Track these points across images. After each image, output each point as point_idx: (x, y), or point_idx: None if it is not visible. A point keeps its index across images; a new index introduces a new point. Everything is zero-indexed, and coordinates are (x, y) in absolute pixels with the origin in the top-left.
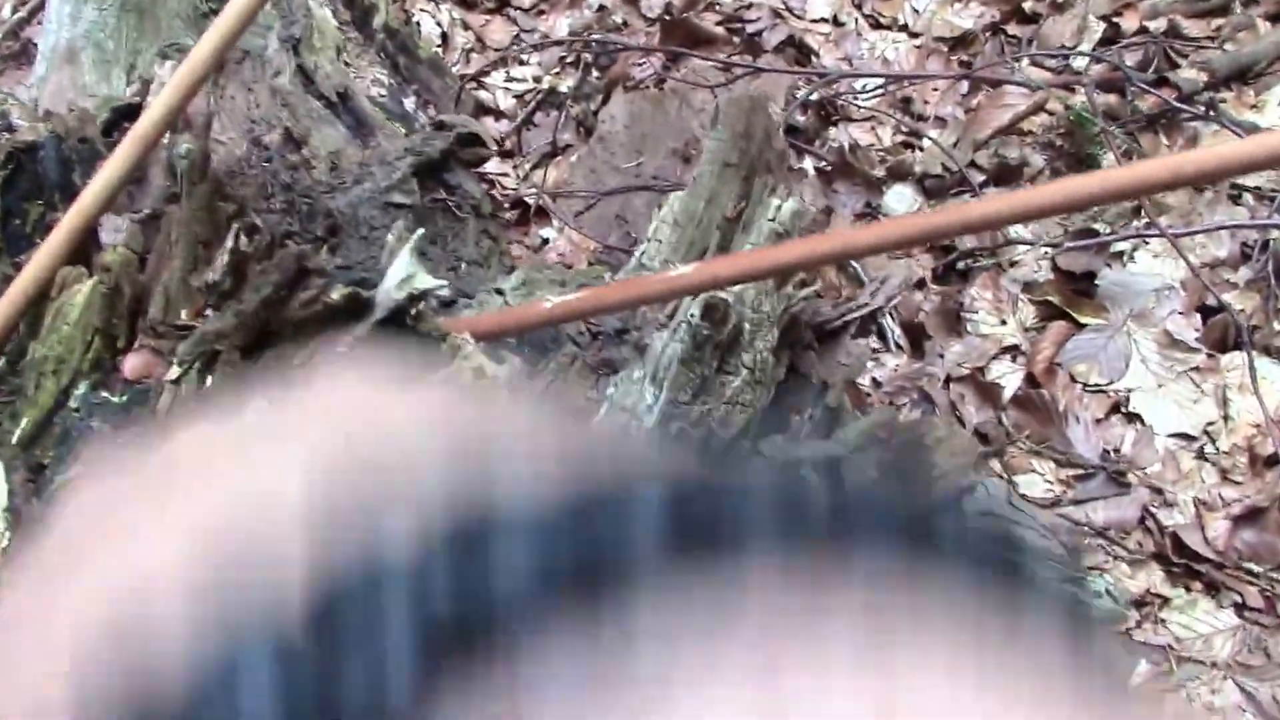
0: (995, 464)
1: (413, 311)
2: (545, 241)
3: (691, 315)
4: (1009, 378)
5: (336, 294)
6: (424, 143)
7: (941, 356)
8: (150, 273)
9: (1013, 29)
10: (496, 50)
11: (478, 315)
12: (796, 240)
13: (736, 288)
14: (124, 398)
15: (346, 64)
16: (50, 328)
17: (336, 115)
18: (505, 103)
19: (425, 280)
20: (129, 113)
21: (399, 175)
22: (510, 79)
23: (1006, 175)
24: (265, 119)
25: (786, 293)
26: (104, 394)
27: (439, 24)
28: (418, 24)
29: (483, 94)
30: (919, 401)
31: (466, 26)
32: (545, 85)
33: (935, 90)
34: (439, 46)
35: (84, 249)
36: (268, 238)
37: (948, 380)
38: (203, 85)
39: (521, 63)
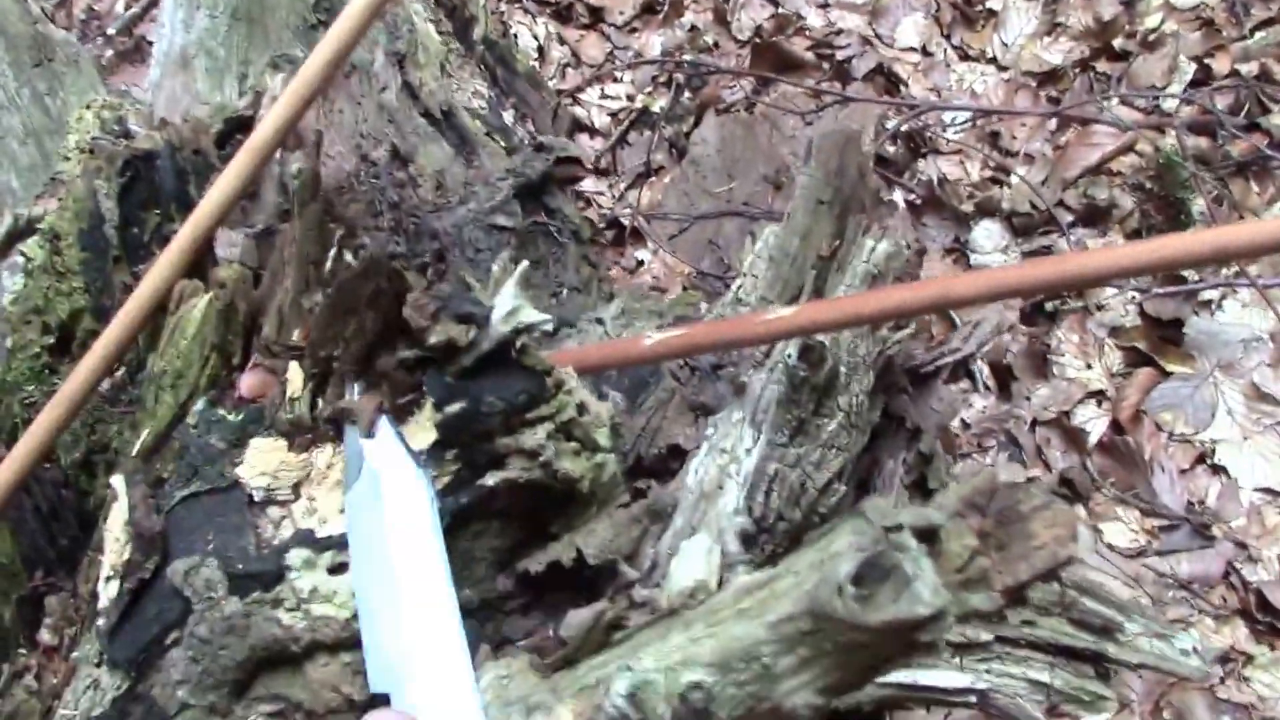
0: (1081, 510)
1: (518, 344)
2: (640, 263)
3: (788, 356)
4: (1094, 423)
5: (435, 338)
6: (524, 164)
7: (1028, 399)
8: (264, 290)
9: (1102, 66)
10: (591, 66)
11: (581, 348)
12: (896, 287)
13: None
14: (240, 416)
15: (449, 75)
16: (168, 341)
17: (440, 132)
18: (600, 120)
19: (531, 314)
20: (242, 125)
21: (502, 197)
22: (605, 96)
23: (1095, 216)
24: (372, 134)
25: (882, 335)
26: (220, 411)
27: (536, 37)
28: (515, 36)
29: (578, 110)
30: (1006, 444)
31: (563, 40)
32: (639, 104)
33: (1024, 126)
34: (536, 60)
35: (200, 262)
36: (382, 263)
37: (1034, 423)
38: (315, 100)
39: (616, 80)
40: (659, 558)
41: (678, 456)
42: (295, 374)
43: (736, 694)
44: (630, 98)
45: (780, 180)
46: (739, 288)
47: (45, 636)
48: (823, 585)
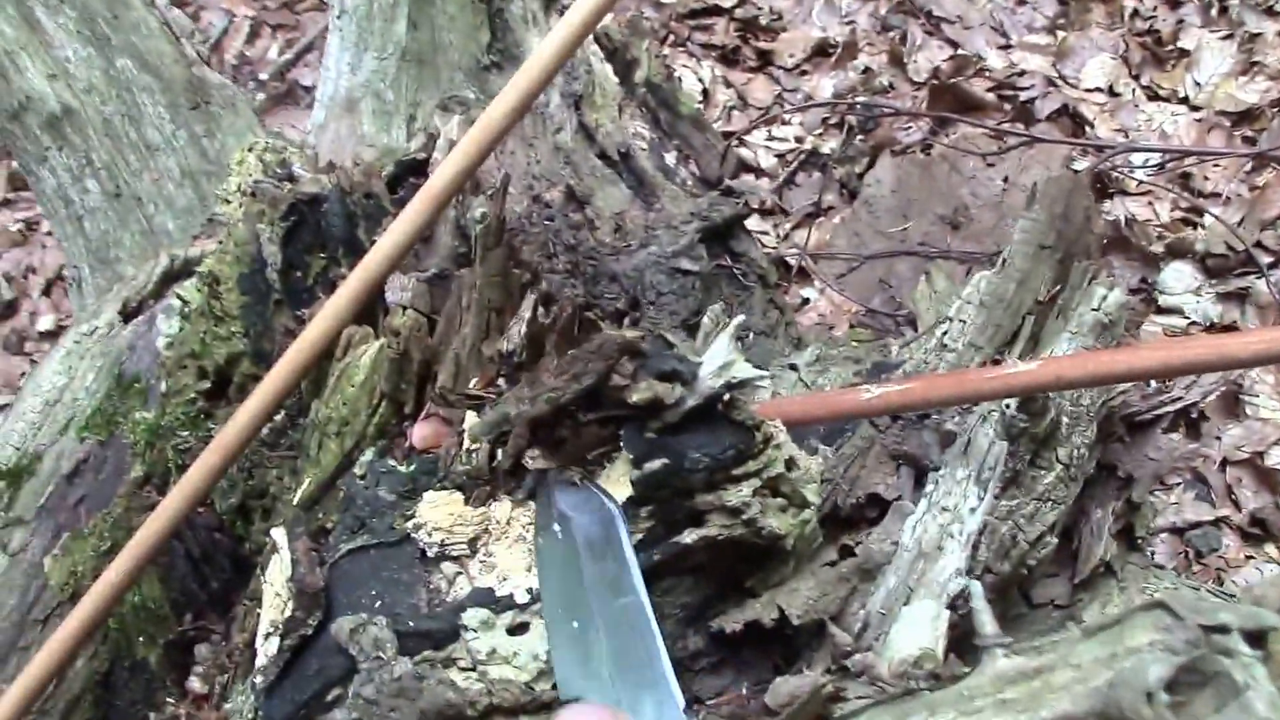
0: (1272, 549)
1: (725, 398)
2: (805, 301)
3: (1007, 406)
4: None
5: (638, 396)
6: (711, 208)
7: (1218, 439)
8: (439, 337)
9: None
10: (759, 109)
11: (790, 400)
12: (1155, 344)
13: None
14: (411, 467)
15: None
16: (334, 388)
17: (619, 175)
18: (766, 161)
19: (745, 369)
20: (414, 168)
21: (686, 240)
22: (772, 138)
23: None
24: (545, 176)
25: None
26: (390, 461)
27: (700, 80)
28: (679, 79)
29: (744, 151)
30: (1192, 484)
31: (729, 84)
32: (808, 145)
33: (1217, 167)
34: (700, 103)
35: (370, 308)
36: (568, 310)
37: (1224, 463)
38: (496, 146)
39: (784, 123)
40: (870, 618)
41: (876, 505)
42: (473, 424)
43: None
44: (799, 139)
45: (958, 220)
46: (944, 333)
47: (195, 684)
48: (1123, 688)
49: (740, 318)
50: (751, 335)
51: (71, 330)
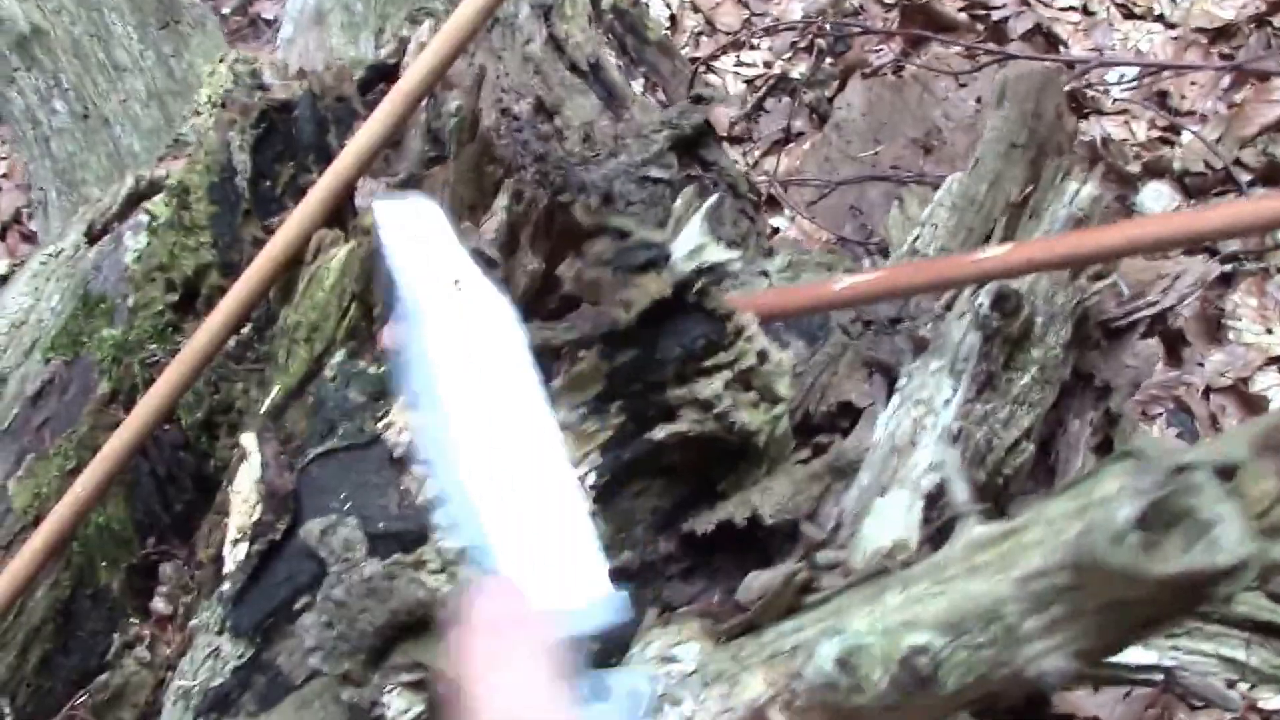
0: None
1: (696, 286)
2: (776, 230)
3: (980, 305)
4: (1277, 390)
5: (635, 311)
6: (681, 116)
7: (1201, 365)
8: None
9: None
10: (727, 34)
11: (761, 291)
12: (1126, 223)
13: (1028, 278)
14: (382, 368)
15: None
16: (304, 293)
17: (588, 85)
18: (735, 88)
19: (718, 252)
20: (385, 73)
21: (656, 149)
22: (740, 63)
23: (1276, 174)
24: (514, 89)
25: (1080, 285)
26: (360, 363)
27: (668, 5)
28: (646, 5)
29: (712, 78)
30: (1175, 412)
31: (696, 9)
32: (776, 71)
33: (1194, 84)
34: (668, 28)
35: (340, 213)
36: (543, 202)
37: (1207, 391)
38: (468, 45)
39: (753, 47)
40: (844, 517)
41: (848, 414)
42: None
43: (969, 658)
44: (768, 64)
45: (930, 143)
46: (915, 238)
47: (159, 605)
48: (1094, 533)
49: (715, 197)
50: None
51: (37, 253)
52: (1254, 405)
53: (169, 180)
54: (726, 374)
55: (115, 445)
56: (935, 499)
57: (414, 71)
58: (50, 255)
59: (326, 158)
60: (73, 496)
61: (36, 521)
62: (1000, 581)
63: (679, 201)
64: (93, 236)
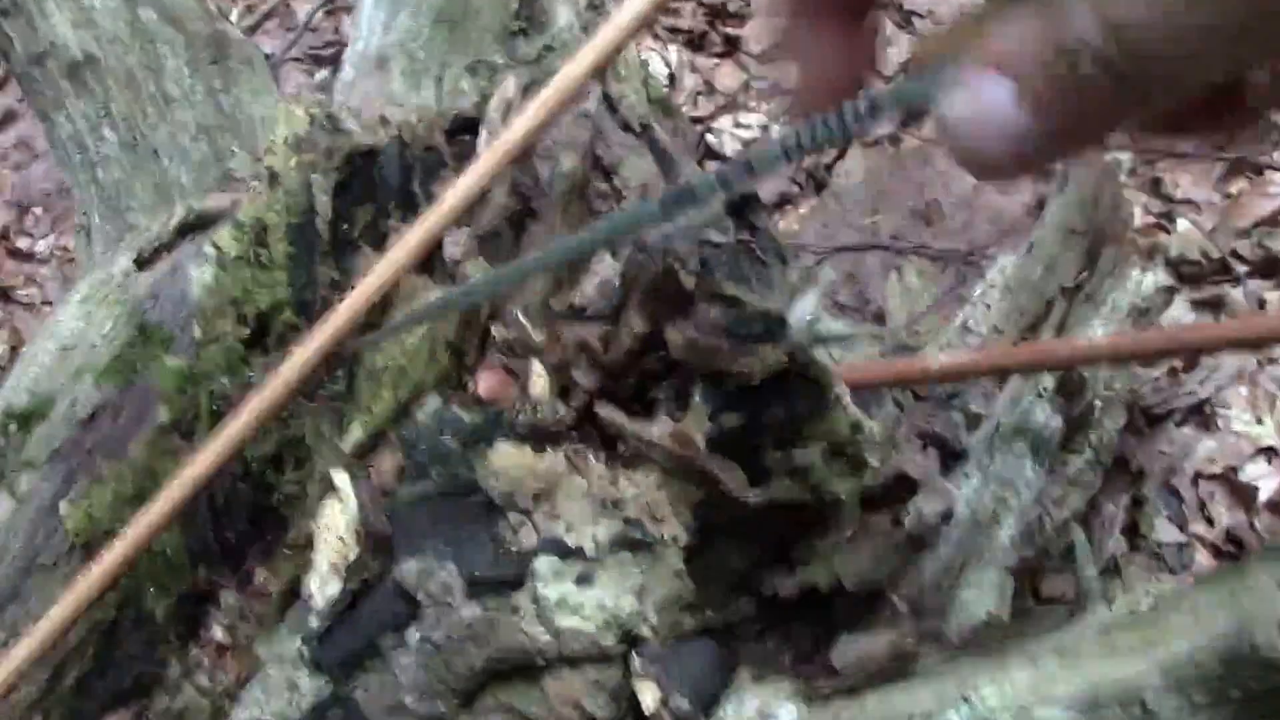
0: None
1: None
2: None
3: (1043, 389)
4: (1265, 481)
5: (757, 369)
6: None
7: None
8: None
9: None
10: (726, 95)
11: (860, 363)
12: (1225, 322)
13: None
14: (477, 416)
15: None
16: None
17: (643, 145)
18: (731, 148)
19: (832, 325)
20: (467, 125)
21: (714, 212)
22: (739, 124)
23: (1273, 268)
24: (569, 144)
25: (1136, 372)
26: (456, 409)
27: (667, 64)
28: (645, 63)
29: (709, 138)
30: (1164, 495)
31: (695, 69)
32: (775, 133)
33: (1187, 174)
34: (667, 87)
35: (429, 260)
36: (655, 266)
37: (1197, 477)
38: (571, 103)
39: (750, 109)
40: (924, 588)
41: (904, 486)
42: (538, 375)
43: None
44: (765, 127)
45: (931, 215)
46: (965, 319)
47: (218, 634)
48: (1255, 624)
49: (830, 275)
50: None
51: (87, 277)
52: (1242, 494)
53: (242, 213)
54: (823, 442)
55: (191, 474)
56: (1017, 574)
57: (517, 128)
58: (101, 281)
59: (409, 204)
60: (144, 524)
61: (86, 546)
62: (1140, 664)
63: (794, 274)
64: (142, 264)
